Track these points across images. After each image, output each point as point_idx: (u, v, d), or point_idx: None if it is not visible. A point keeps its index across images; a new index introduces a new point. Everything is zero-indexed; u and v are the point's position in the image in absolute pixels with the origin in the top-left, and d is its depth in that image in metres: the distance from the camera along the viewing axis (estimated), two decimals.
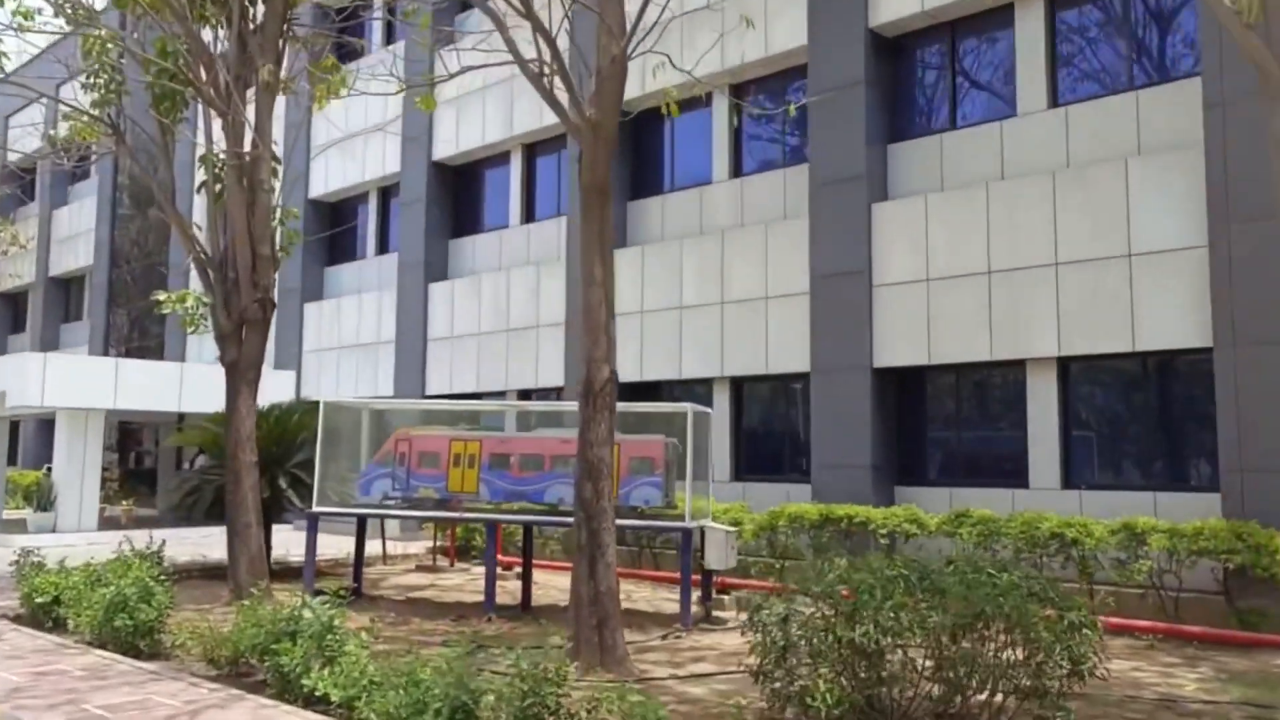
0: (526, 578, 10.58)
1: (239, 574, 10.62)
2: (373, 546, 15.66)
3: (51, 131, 12.62)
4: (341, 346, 21.75)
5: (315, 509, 10.47)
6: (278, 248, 11.54)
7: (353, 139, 21.37)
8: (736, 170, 15.30)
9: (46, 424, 31.03)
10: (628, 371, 15.38)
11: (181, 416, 25.61)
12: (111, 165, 30.05)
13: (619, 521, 8.22)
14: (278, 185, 11.47)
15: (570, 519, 9.75)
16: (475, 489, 10.17)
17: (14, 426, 29.15)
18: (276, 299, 11.50)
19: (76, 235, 31.73)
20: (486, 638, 8.92)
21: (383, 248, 21.86)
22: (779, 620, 5.41)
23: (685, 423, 9.67)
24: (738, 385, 14.71)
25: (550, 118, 17.55)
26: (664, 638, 8.87)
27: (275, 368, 22.57)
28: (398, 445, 10.52)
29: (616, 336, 8.13)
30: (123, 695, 6.63)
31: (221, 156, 11.66)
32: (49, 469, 30.17)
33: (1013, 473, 11.92)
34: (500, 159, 19.16)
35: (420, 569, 14.56)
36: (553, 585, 12.19)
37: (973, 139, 12.62)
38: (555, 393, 16.48)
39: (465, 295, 18.81)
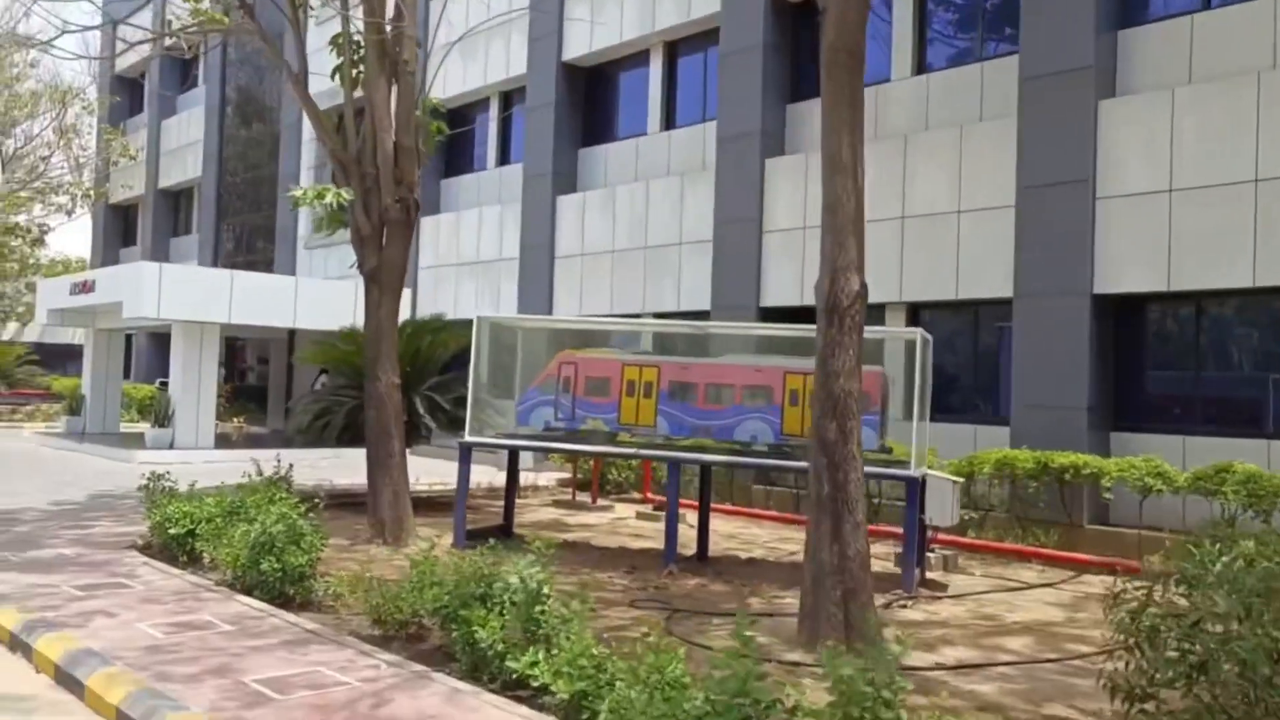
0: (704, 525, 9.22)
1: (381, 509, 9.48)
2: (490, 475, 14.57)
3: (171, 17, 11.29)
4: (460, 263, 20.54)
5: (468, 438, 9.22)
6: (420, 142, 10.16)
7: (473, 37, 19.84)
8: (920, 66, 13.40)
9: (157, 338, 30.81)
10: (788, 294, 13.82)
11: (292, 333, 24.94)
12: (219, 74, 29.16)
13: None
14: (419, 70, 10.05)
15: (765, 460, 8.48)
16: (652, 421, 8.79)
17: (127, 340, 28.91)
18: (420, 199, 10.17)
19: (185, 146, 31.08)
20: (677, 597, 7.60)
21: (504, 158, 20.46)
22: (1186, 629, 3.87)
23: (901, 351, 8.12)
24: (915, 311, 13.01)
25: (699, 10, 15.83)
26: (886, 606, 7.43)
27: None
28: (561, 369, 9.18)
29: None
30: (282, 663, 5.46)
31: (357, 36, 10.27)
32: (162, 383, 29.97)
33: (1265, 421, 10.08)
34: (638, 59, 17.47)
35: (557, 504, 13.39)
36: (713, 530, 10.85)
37: (1235, 20, 10.52)
38: (700, 317, 15.02)
39: (597, 209, 17.34)
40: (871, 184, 12.98)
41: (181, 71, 32.94)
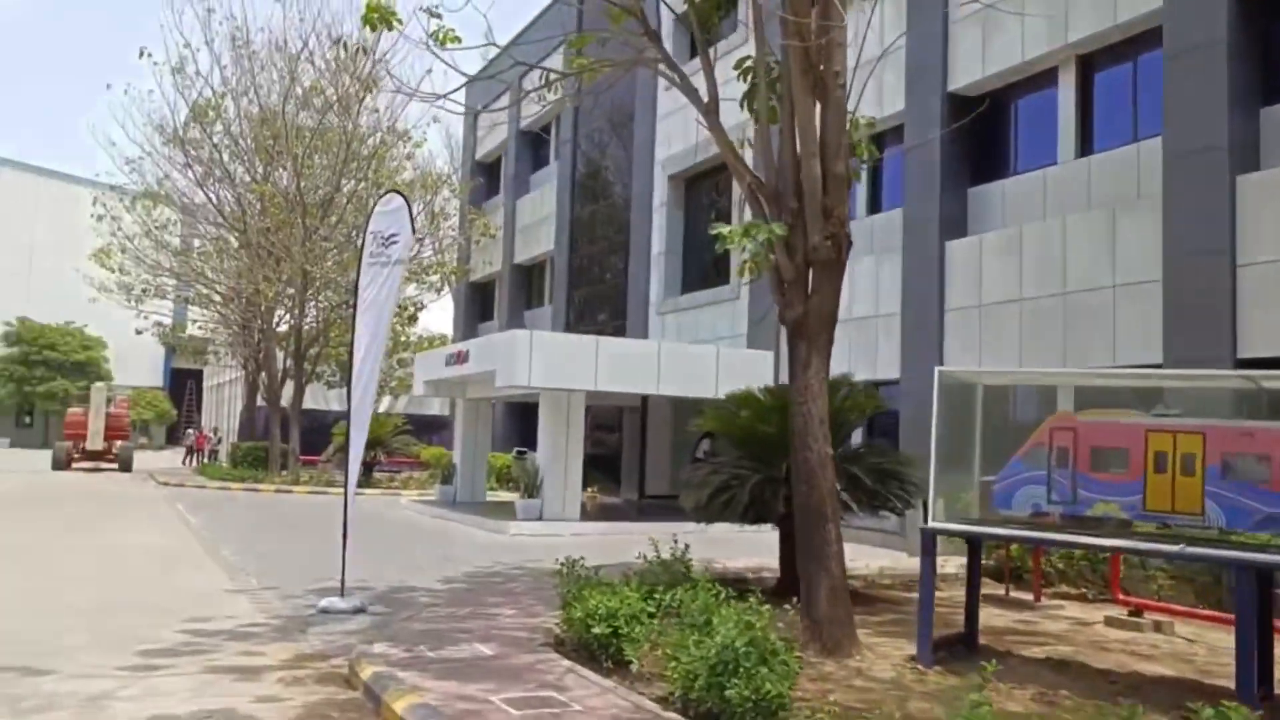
0: (1267, 644, 6.70)
1: (816, 608, 7.81)
2: (867, 556, 12.52)
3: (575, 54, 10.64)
4: None
5: (934, 524, 7.35)
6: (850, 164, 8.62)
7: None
8: None
9: (512, 406, 31.75)
10: None
11: (645, 400, 24.43)
12: (570, 149, 29.93)
13: None
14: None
15: None
16: (1198, 506, 6.50)
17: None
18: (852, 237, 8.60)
19: (538, 222, 32.19)
20: None
21: (875, 205, 18.73)
22: None
23: None
24: None
25: (1128, 11, 13.39)
26: None
27: (749, 345, 20.35)
28: (1054, 436, 7.13)
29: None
30: None
31: (772, 59, 8.97)
32: (519, 452, 30.81)
33: None
34: (1042, 80, 15.19)
35: (987, 600, 11.10)
36: (1219, 644, 8.21)
37: None
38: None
39: (997, 253, 15.10)
40: None
41: (534, 153, 34.43)
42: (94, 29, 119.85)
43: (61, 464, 35.23)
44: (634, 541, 16.87)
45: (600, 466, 27.58)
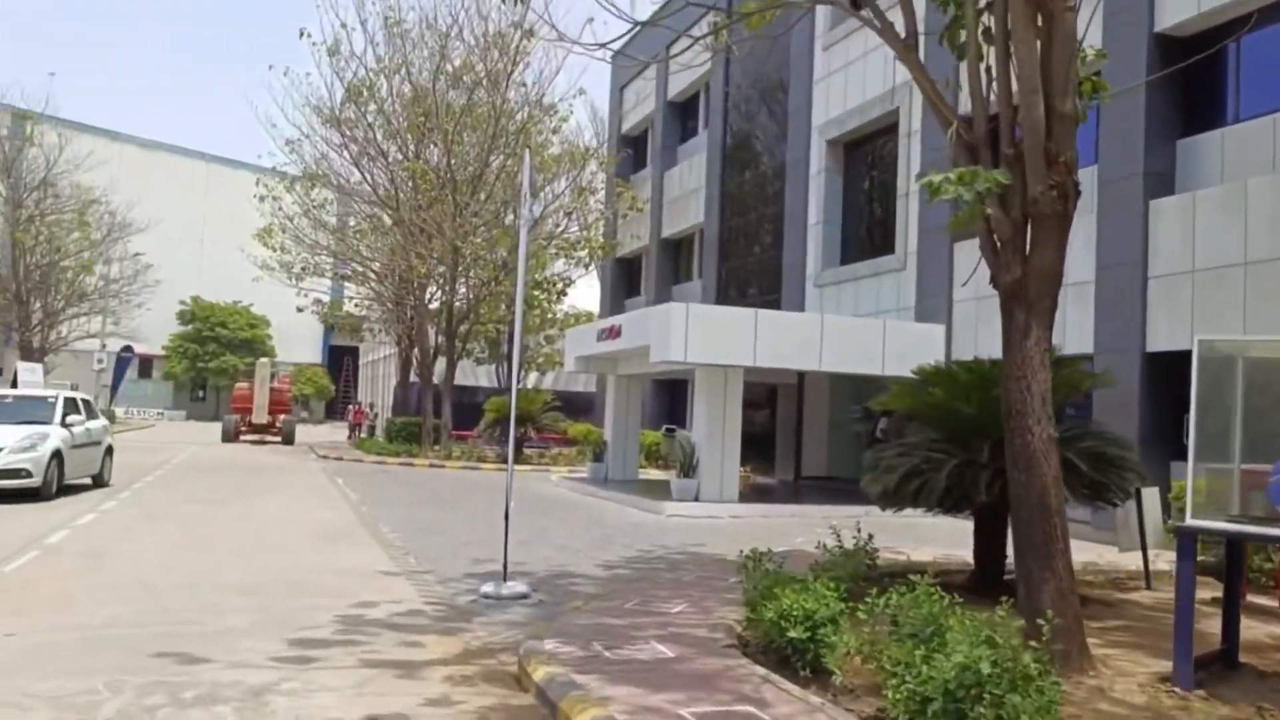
0: None
1: (1038, 606, 6.73)
2: (1092, 554, 11.17)
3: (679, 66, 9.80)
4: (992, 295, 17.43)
5: (1195, 521, 6.19)
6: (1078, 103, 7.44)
7: None
8: None
9: (659, 383, 31.15)
10: None
11: (801, 376, 23.36)
12: (721, 118, 28.94)
13: None
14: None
15: None
16: None
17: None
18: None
19: (686, 194, 31.39)
20: None
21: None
22: None
23: None
24: None
25: None
26: None
27: (918, 318, 19.04)
28: None
29: None
30: None
31: None
32: (669, 429, 30.20)
33: None
34: (1272, 12, 13.34)
35: (1214, 602, 9.71)
36: None
37: None
38: None
39: (1215, 212, 13.40)
40: None
41: (682, 124, 33.58)
42: (256, 17, 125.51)
43: (230, 436, 36.71)
44: (794, 525, 16.09)
45: (752, 445, 26.64)
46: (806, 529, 15.15)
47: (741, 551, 7.63)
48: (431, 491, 19.80)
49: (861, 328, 18.20)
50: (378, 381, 54.65)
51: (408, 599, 8.59)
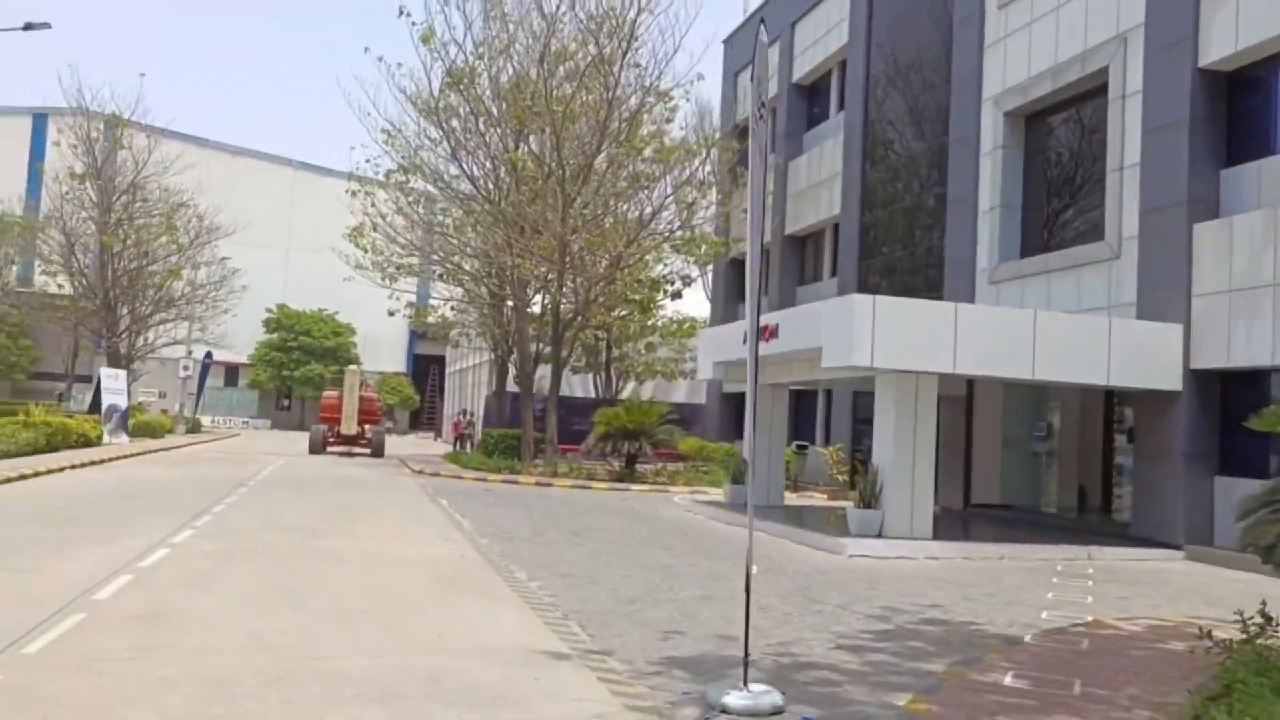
0: None
1: None
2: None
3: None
4: (1260, 285, 14.03)
5: None
6: None
7: None
8: None
9: (794, 392, 27.95)
10: None
11: (970, 386, 20.04)
12: (860, 98, 25.76)
13: None
14: None
15: None
16: None
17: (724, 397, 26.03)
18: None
19: (817, 185, 28.27)
20: None
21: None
22: None
23: None
24: None
25: None
26: None
27: (1139, 315, 15.65)
28: None
29: None
30: None
31: None
32: (800, 447, 27.02)
33: None
34: None
35: None
36: None
37: None
38: None
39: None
40: None
41: (808, 109, 30.49)
42: (338, 32, 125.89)
43: (317, 447, 34.60)
44: (1016, 572, 12.70)
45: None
46: (1038, 579, 11.99)
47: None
48: (550, 517, 17.00)
49: (1082, 328, 14.89)
50: (466, 390, 52.46)
51: (606, 711, 5.66)
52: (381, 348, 64.92)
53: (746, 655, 6.10)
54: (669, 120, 30.47)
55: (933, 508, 14.71)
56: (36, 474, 19.58)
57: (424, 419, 66.59)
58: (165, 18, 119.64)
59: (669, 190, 28.87)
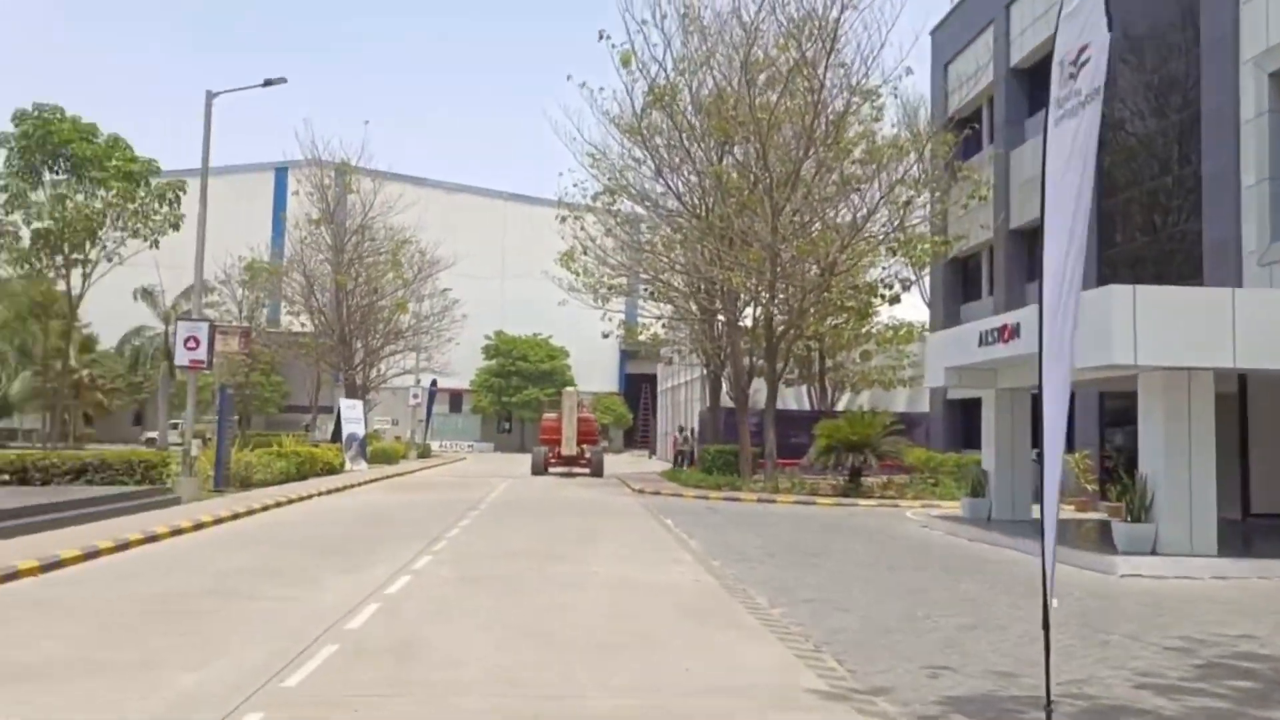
0: None
1: None
2: None
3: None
4: None
5: None
6: None
7: None
8: None
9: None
10: None
11: (1243, 379, 17.85)
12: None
13: None
14: None
15: None
16: None
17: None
18: None
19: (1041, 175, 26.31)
20: None
21: None
22: None
23: None
24: None
25: None
26: None
27: None
28: None
29: None
30: None
31: None
32: (1040, 455, 25.17)
33: None
34: None
35: None
36: None
37: None
38: None
39: None
40: None
41: (1029, 94, 28.50)
42: (542, 64, 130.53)
43: (539, 468, 35.39)
44: None
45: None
46: None
47: None
48: (779, 536, 16.35)
49: None
50: (679, 407, 52.55)
51: None
52: (594, 369, 66.24)
53: (1049, 704, 5.28)
54: (877, 119, 29.31)
55: (1214, 520, 13.02)
56: (290, 501, 20.81)
57: (638, 437, 67.35)
58: (383, 66, 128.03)
59: (881, 191, 27.64)
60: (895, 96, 29.42)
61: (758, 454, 28.24)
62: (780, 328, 28.07)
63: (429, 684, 6.47)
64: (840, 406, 38.40)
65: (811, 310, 27.67)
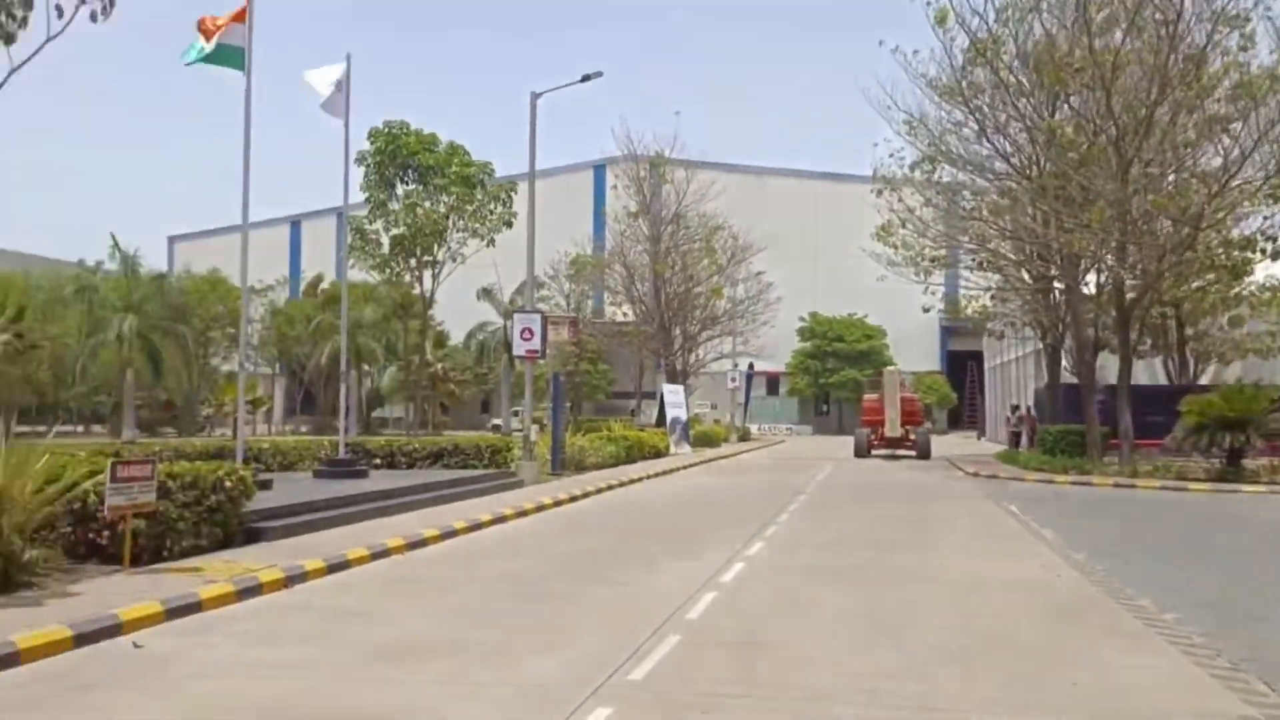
0: None
1: None
2: None
3: None
4: None
5: None
6: None
7: None
8: None
9: None
10: None
11: None
12: None
13: None
14: None
15: None
16: None
17: None
18: None
19: None
20: None
21: None
22: None
23: None
24: None
25: None
26: None
27: None
28: None
29: None
30: None
31: None
32: None
33: None
34: None
35: None
36: None
37: None
38: None
39: None
40: None
41: None
42: (849, 37, 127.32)
43: (863, 451, 34.33)
44: None
45: None
46: None
47: None
48: (1148, 526, 14.48)
49: None
50: (1009, 385, 49.14)
51: None
52: (912, 347, 63.66)
53: None
54: (1245, 48, 25.40)
55: None
56: (621, 484, 21.41)
57: (965, 417, 63.99)
58: (688, 52, 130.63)
59: (1258, 131, 23.91)
60: (1269, 19, 25.32)
61: (1108, 434, 25.55)
62: (1132, 294, 25.15)
63: (780, 686, 6.02)
64: (1204, 380, 34.15)
65: (1168, 272, 24.52)
